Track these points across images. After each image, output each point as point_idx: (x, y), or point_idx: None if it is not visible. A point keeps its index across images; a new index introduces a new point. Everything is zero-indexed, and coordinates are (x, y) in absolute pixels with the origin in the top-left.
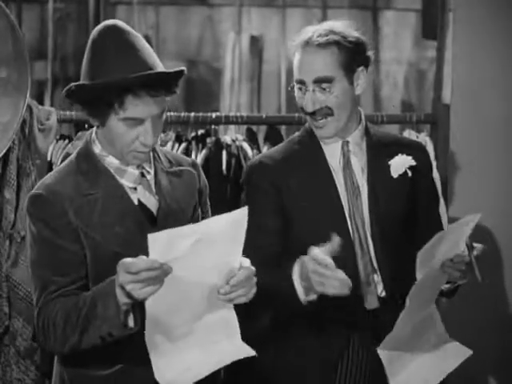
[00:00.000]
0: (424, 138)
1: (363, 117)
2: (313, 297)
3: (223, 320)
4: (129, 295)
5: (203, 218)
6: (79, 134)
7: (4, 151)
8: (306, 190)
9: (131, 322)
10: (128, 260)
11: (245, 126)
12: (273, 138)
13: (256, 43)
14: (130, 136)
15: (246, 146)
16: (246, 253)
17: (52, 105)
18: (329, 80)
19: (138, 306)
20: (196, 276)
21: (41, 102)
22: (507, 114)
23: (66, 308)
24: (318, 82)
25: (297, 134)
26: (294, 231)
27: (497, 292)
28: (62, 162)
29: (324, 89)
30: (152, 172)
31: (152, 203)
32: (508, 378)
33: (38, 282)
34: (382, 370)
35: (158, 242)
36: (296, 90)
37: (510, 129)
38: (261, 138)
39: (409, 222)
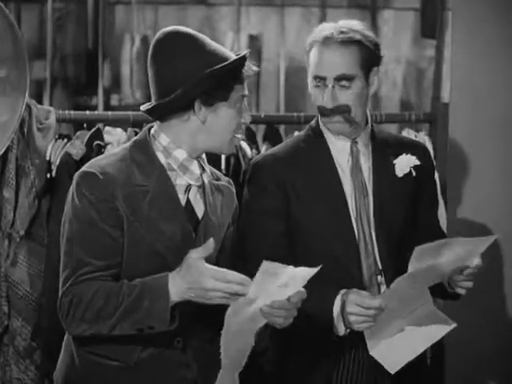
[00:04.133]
0: (423, 137)
1: (369, 117)
2: (348, 331)
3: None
4: (201, 299)
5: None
6: (78, 133)
7: (3, 150)
8: (311, 189)
9: (175, 320)
10: (209, 267)
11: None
12: (272, 137)
13: (255, 42)
14: (238, 119)
15: (244, 145)
16: (249, 257)
17: (51, 104)
18: (350, 78)
19: (178, 304)
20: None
21: (40, 102)
22: (506, 113)
23: (106, 291)
24: (340, 79)
25: (302, 132)
26: (299, 231)
27: (496, 292)
28: (61, 161)
29: (344, 86)
30: (210, 174)
31: (199, 207)
32: (506, 378)
33: (71, 260)
34: (380, 374)
35: (266, 271)
36: (312, 87)
37: (509, 128)
38: (260, 137)
39: (409, 221)
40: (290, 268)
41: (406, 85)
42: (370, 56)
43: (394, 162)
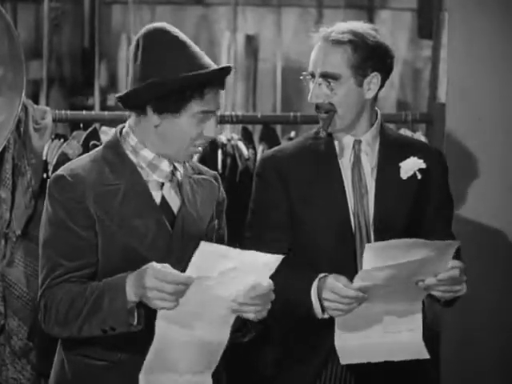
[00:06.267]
0: (419, 137)
1: (379, 117)
2: (328, 316)
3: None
4: (144, 298)
5: (218, 231)
6: (74, 133)
7: None
8: (313, 186)
9: (134, 320)
10: (161, 267)
11: (240, 126)
12: (268, 137)
13: (251, 42)
14: (196, 131)
15: (241, 145)
16: (251, 247)
17: (47, 104)
18: (334, 77)
19: (143, 306)
20: (212, 300)
21: (36, 102)
22: (502, 113)
23: (71, 294)
24: (324, 76)
25: (313, 130)
26: (300, 226)
27: (497, 292)
28: (57, 161)
29: (329, 85)
30: (182, 171)
31: (175, 203)
32: (507, 378)
33: (46, 263)
34: (371, 375)
35: (206, 253)
36: (309, 82)
37: (506, 127)
38: (256, 137)
39: (413, 223)
40: (241, 251)
41: (402, 85)
42: (364, 59)
43: (400, 164)
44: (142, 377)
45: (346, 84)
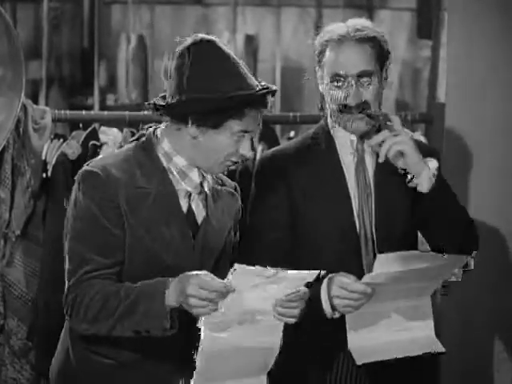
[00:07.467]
0: (419, 137)
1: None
2: (338, 315)
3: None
4: (185, 305)
5: (233, 239)
6: (74, 133)
7: None
8: (315, 186)
9: (168, 324)
10: (203, 276)
11: None
12: (267, 137)
13: (251, 42)
14: (233, 148)
15: None
16: (254, 249)
17: (47, 104)
18: (370, 74)
19: (178, 310)
20: (246, 310)
21: (35, 102)
22: (502, 113)
23: (104, 293)
24: (361, 75)
25: (311, 130)
26: (302, 227)
27: (498, 292)
28: (56, 161)
29: (364, 83)
30: (210, 182)
31: (200, 213)
32: (507, 378)
33: (75, 257)
34: (370, 379)
35: (241, 274)
36: (330, 86)
37: (505, 127)
38: (255, 137)
39: (414, 222)
40: (276, 270)
41: (401, 85)
42: (383, 51)
43: None
44: None
45: (376, 79)
